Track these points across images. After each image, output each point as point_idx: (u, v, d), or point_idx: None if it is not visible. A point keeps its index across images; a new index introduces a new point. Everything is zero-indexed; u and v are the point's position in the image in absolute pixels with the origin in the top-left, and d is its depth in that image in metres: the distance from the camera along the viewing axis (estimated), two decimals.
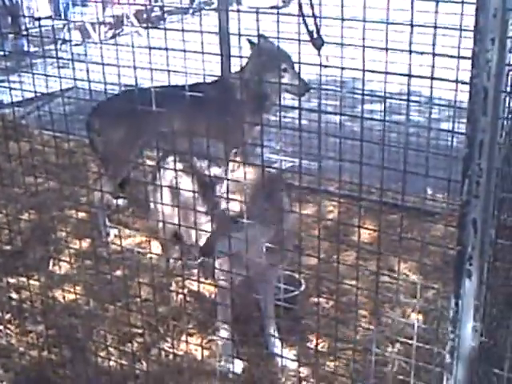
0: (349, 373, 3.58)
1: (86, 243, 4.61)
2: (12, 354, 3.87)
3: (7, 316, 4.11)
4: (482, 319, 2.21)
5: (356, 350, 3.55)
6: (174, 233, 4.30)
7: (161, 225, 4.03)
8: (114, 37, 12.24)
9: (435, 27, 2.02)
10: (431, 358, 2.62)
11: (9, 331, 4.02)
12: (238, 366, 3.69)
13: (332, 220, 4.88)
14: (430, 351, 2.50)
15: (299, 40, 2.58)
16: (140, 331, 3.71)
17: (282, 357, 3.68)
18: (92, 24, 11.59)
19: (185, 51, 2.83)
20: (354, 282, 3.45)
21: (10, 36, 10.32)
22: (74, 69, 3.16)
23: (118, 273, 4.16)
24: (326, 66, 2.60)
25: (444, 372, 2.29)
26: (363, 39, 2.16)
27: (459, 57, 2.09)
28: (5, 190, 3.76)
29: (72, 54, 3.19)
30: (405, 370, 3.58)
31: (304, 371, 3.66)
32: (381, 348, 3.77)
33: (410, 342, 2.60)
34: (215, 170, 3.83)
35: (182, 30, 2.82)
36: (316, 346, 3.50)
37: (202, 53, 2.76)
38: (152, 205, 4.27)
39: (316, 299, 4.06)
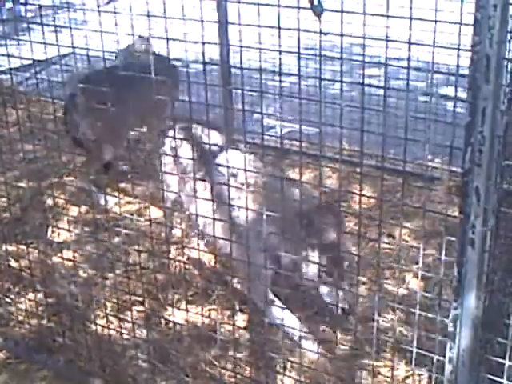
0: (350, 341, 3.58)
1: (84, 210, 4.58)
2: (11, 323, 3.89)
3: (6, 284, 4.10)
4: (485, 287, 2.20)
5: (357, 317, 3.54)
6: (175, 200, 4.30)
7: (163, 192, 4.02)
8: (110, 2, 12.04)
9: None
10: (433, 326, 2.61)
11: (8, 299, 4.02)
12: None
13: (330, 187, 4.83)
14: (432, 319, 2.48)
15: (298, 7, 2.53)
16: (140, 299, 3.70)
17: (282, 325, 3.65)
18: None
19: (184, 19, 2.78)
20: (354, 249, 3.47)
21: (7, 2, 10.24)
22: (72, 35, 3.12)
23: (117, 240, 4.15)
24: (325, 34, 2.56)
25: (447, 340, 2.29)
26: (364, 5, 2.11)
27: (461, 23, 2.04)
28: (2, 157, 3.71)
29: (70, 19, 3.13)
30: (406, 339, 3.58)
31: (304, 338, 3.64)
32: (382, 315, 3.77)
33: (412, 309, 2.59)
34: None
35: None
36: (316, 313, 3.49)
37: (202, 21, 2.72)
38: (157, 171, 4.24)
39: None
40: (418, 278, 3.95)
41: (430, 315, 2.50)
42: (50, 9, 5.45)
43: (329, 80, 2.68)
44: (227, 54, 4.94)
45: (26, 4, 8.21)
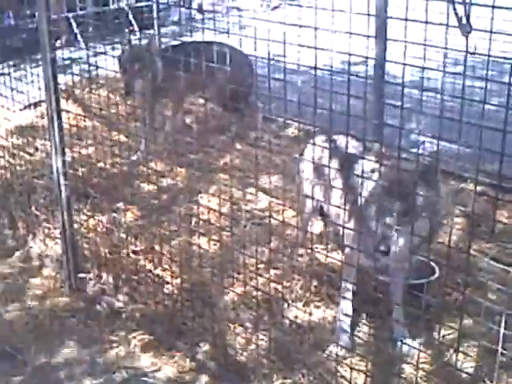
0: (472, 370, 3.50)
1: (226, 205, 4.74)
2: (149, 301, 4.12)
3: (149, 265, 4.36)
4: None
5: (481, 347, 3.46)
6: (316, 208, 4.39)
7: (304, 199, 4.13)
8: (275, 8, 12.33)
9: None
10: None
11: (149, 280, 4.27)
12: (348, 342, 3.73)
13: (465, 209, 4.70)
14: None
15: (447, 25, 2.55)
16: (267, 297, 3.82)
17: (404, 344, 3.59)
18: None
19: (334, 31, 2.87)
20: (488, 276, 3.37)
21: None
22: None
23: (252, 236, 4.29)
24: (472, 53, 2.56)
25: None
26: None
27: None
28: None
29: (227, 23, 3.31)
30: None
31: (425, 362, 3.60)
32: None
33: None
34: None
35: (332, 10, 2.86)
36: (442, 337, 3.43)
37: (350, 33, 2.80)
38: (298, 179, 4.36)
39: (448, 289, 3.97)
40: None
41: None
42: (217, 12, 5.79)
43: (470, 100, 2.65)
44: (381, 66, 4.94)
45: (189, 8, 8.74)
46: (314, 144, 3.91)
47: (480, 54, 2.58)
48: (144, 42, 6.57)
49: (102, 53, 4.40)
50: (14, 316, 4.23)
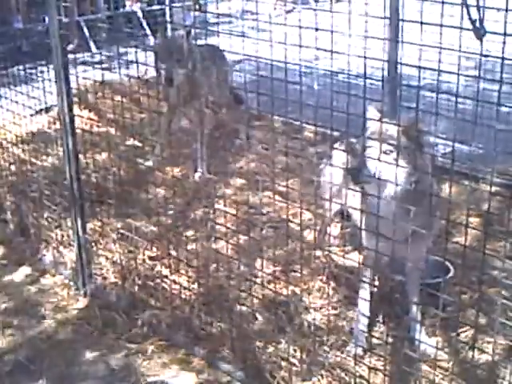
0: (489, 366, 3.51)
1: (242, 209, 4.75)
2: (166, 307, 4.11)
3: (165, 271, 4.33)
4: None
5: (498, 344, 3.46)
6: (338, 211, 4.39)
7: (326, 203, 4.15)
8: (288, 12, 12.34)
9: None
10: None
11: (165, 285, 4.24)
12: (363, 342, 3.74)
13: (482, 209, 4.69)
14: None
15: (461, 28, 2.55)
16: (285, 299, 3.82)
17: (421, 342, 3.63)
18: None
19: (350, 35, 2.87)
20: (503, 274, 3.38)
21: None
22: (243, 41, 3.31)
23: (270, 240, 4.29)
24: (486, 56, 2.56)
25: None
26: None
27: None
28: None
29: (242, 26, 3.33)
30: None
31: (442, 359, 3.60)
32: None
33: None
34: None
35: (349, 13, 2.86)
36: (457, 335, 3.45)
37: (366, 36, 2.79)
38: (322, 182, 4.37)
39: (463, 288, 3.98)
40: None
41: None
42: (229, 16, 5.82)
43: (484, 101, 2.65)
44: (395, 69, 4.93)
45: (206, 12, 8.71)
46: (339, 148, 3.94)
47: (494, 57, 2.57)
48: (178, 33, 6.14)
49: (114, 57, 4.37)
50: (28, 325, 4.20)
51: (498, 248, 4.17)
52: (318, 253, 4.47)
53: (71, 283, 4.54)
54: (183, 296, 4.12)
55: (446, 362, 3.59)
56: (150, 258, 4.55)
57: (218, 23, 3.47)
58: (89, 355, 3.94)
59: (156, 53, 5.71)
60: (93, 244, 4.57)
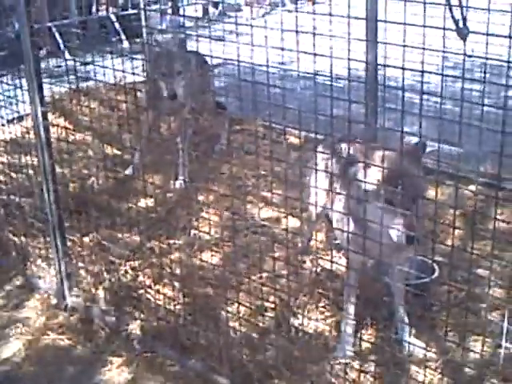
0: (477, 366, 3.49)
1: (225, 216, 4.71)
2: (150, 318, 4.03)
3: (148, 281, 4.27)
4: None
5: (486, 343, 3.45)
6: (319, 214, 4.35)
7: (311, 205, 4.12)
8: (264, 15, 12.34)
9: None
10: None
11: (149, 296, 4.17)
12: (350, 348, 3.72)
13: (467, 208, 4.68)
14: None
15: (444, 28, 2.53)
16: (272, 306, 3.77)
17: (409, 343, 3.64)
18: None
19: (331, 36, 2.84)
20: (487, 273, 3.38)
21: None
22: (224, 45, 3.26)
23: (255, 246, 4.23)
24: (470, 56, 2.54)
25: None
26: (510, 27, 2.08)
27: None
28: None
29: (224, 30, 3.27)
30: None
31: (431, 360, 3.58)
32: None
33: None
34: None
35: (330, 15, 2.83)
36: (445, 335, 3.43)
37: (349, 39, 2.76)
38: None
39: (448, 287, 3.96)
40: None
41: None
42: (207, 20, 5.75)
43: (468, 102, 2.63)
44: (374, 70, 4.90)
45: (184, 16, 8.63)
46: (319, 151, 3.90)
47: (477, 57, 2.55)
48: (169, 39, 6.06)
49: (89, 63, 4.28)
50: (7, 341, 4.10)
51: (482, 247, 4.17)
52: (306, 258, 4.42)
53: (51, 297, 4.43)
54: (168, 306, 4.04)
55: (435, 362, 3.58)
56: (133, 269, 4.45)
57: (193, 27, 3.40)
58: (71, 370, 3.85)
59: (151, 61, 5.57)
60: (73, 256, 4.46)
